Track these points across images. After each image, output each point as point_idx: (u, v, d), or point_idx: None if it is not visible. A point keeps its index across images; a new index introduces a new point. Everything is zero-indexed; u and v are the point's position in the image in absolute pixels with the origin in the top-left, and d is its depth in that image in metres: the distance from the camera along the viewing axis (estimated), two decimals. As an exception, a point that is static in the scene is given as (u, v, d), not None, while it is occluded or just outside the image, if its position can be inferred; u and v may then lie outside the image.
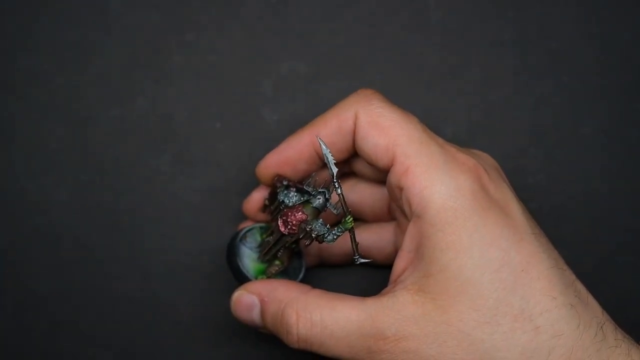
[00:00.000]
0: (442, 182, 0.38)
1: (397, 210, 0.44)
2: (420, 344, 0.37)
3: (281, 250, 0.43)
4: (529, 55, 0.52)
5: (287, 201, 0.42)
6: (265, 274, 0.44)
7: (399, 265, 0.41)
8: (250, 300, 0.42)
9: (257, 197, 0.47)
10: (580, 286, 0.39)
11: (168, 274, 0.50)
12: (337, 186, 0.40)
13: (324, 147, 0.40)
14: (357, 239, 0.41)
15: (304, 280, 0.45)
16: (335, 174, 0.40)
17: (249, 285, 0.43)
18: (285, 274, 0.45)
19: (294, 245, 0.43)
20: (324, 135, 0.42)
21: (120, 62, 0.51)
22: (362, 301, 0.39)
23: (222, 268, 0.48)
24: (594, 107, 0.52)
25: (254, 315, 0.42)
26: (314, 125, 0.43)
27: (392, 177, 0.40)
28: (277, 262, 0.44)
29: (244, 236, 0.45)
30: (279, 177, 0.43)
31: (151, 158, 0.51)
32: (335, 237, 0.40)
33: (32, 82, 0.51)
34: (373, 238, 0.47)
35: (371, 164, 0.42)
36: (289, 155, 0.44)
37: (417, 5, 0.52)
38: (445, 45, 0.52)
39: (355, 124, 0.41)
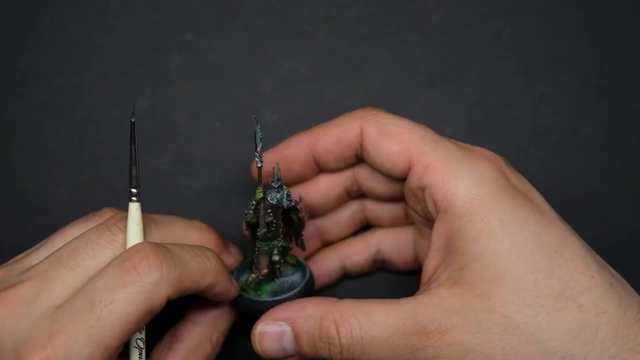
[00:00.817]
0: (464, 173, 0.38)
1: (415, 217, 0.44)
2: (465, 335, 0.37)
3: (255, 257, 0.42)
4: (529, 55, 0.52)
5: (270, 199, 0.40)
6: (244, 286, 0.42)
7: (429, 265, 0.40)
8: (278, 328, 0.40)
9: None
10: (612, 269, 0.39)
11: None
12: (258, 159, 0.40)
13: (257, 127, 0.40)
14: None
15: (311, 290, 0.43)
16: (259, 149, 0.40)
17: (272, 313, 0.40)
18: (280, 289, 0.43)
19: (269, 248, 0.42)
20: (323, 141, 0.43)
21: (120, 62, 0.51)
22: (397, 303, 0.38)
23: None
24: (594, 107, 0.52)
25: (285, 343, 0.40)
26: (314, 131, 0.43)
27: (412, 179, 0.40)
28: (254, 271, 0.43)
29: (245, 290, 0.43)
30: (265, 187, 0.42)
31: (151, 158, 0.51)
32: (250, 212, 0.41)
33: (32, 82, 0.51)
34: (393, 243, 0.47)
35: (386, 174, 0.42)
36: (285, 155, 0.44)
37: (417, 5, 0.52)
38: (445, 45, 0.52)
39: (362, 137, 0.42)
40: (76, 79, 0.51)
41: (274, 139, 0.51)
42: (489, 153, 0.40)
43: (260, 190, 0.40)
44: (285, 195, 0.41)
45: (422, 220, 0.43)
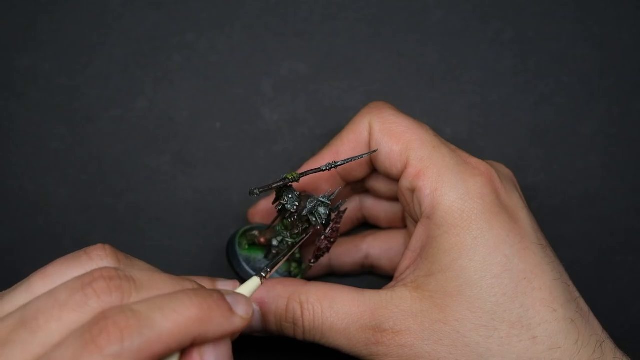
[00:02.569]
0: (452, 185, 0.39)
1: (408, 218, 0.44)
2: (417, 339, 0.38)
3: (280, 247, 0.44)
4: (529, 55, 0.52)
5: (288, 205, 0.41)
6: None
7: (402, 264, 0.41)
8: None
9: (264, 205, 0.47)
10: (582, 303, 0.39)
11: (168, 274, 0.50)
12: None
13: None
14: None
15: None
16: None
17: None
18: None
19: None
20: (344, 152, 0.43)
21: (120, 62, 0.51)
22: (361, 293, 0.39)
23: (222, 267, 0.48)
24: (594, 107, 0.52)
25: (254, 322, 0.41)
26: (333, 145, 0.44)
27: (405, 180, 0.41)
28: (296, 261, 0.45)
29: (242, 236, 0.45)
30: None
31: (151, 158, 0.51)
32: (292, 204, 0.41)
33: (32, 82, 0.51)
34: (382, 248, 0.47)
35: (385, 173, 0.42)
36: (311, 176, 0.44)
37: (417, 5, 0.52)
38: (445, 45, 0.52)
39: (369, 134, 0.42)
40: (76, 79, 0.51)
41: (274, 139, 0.51)
42: (483, 167, 0.40)
43: (293, 175, 0.41)
44: (326, 213, 0.41)
45: (412, 221, 0.43)
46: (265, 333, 0.42)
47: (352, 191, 0.47)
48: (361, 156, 0.41)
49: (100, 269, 0.34)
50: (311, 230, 0.41)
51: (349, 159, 0.41)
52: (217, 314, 0.34)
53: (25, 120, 0.51)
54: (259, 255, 0.45)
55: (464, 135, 0.51)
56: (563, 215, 0.51)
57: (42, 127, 0.51)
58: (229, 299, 0.35)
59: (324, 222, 0.42)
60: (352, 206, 0.48)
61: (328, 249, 0.42)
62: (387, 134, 0.41)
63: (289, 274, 0.45)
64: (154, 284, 0.35)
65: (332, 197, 0.42)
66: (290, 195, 0.42)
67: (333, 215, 0.42)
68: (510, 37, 0.52)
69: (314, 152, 0.49)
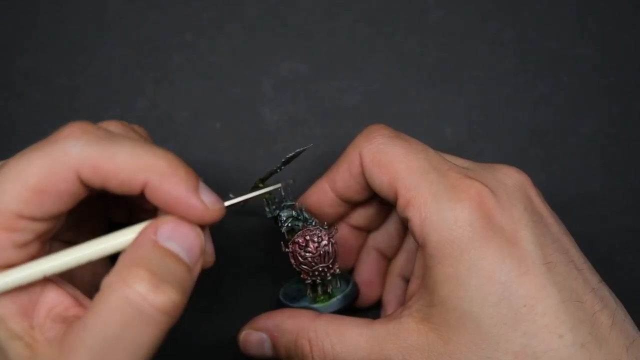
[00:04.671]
0: (439, 214, 0.38)
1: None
2: None
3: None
4: (529, 55, 0.52)
5: (282, 216, 0.43)
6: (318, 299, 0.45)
7: (410, 287, 0.41)
8: (258, 337, 0.42)
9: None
10: (604, 319, 0.37)
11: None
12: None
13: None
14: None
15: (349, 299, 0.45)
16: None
17: (254, 323, 0.43)
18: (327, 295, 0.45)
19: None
20: (338, 180, 0.43)
21: (120, 62, 0.51)
22: (370, 326, 0.39)
23: (222, 268, 0.48)
24: (594, 107, 0.52)
25: (266, 350, 0.42)
26: (329, 173, 0.44)
27: (398, 210, 0.40)
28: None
29: (286, 293, 0.46)
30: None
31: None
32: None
33: (32, 82, 0.51)
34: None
35: (385, 199, 0.42)
36: (313, 201, 0.45)
37: (417, 5, 0.52)
38: (445, 45, 0.52)
39: (361, 165, 0.42)
40: (76, 79, 0.51)
41: (274, 139, 0.51)
42: (474, 189, 0.38)
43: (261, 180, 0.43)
44: (288, 216, 0.43)
45: None
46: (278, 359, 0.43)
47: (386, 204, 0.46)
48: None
49: (79, 121, 0.34)
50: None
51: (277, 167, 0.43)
52: (179, 176, 0.33)
53: (25, 120, 0.51)
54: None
55: (464, 135, 0.51)
56: (563, 215, 0.51)
57: (42, 127, 0.51)
58: (200, 185, 0.34)
59: (282, 227, 0.43)
60: (396, 219, 0.47)
61: (305, 267, 0.43)
62: (376, 165, 0.40)
63: (313, 301, 0.45)
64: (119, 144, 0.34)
65: (289, 201, 0.43)
66: (273, 206, 0.44)
67: (302, 225, 0.43)
68: (510, 37, 0.52)
69: (314, 151, 0.49)
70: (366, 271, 0.48)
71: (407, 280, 0.48)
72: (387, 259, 0.48)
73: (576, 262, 0.38)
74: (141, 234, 0.34)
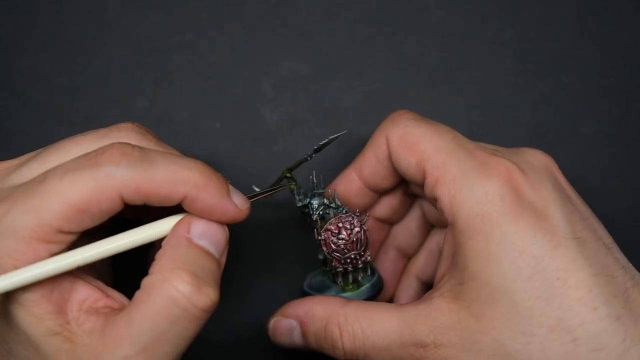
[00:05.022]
0: (469, 189, 0.38)
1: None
2: (459, 352, 0.37)
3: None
4: (529, 55, 0.52)
5: (313, 204, 0.44)
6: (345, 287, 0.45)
7: (439, 271, 0.41)
8: (288, 324, 0.42)
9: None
10: (636, 295, 0.37)
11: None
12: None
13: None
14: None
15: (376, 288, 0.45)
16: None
17: (284, 310, 0.43)
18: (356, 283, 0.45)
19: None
20: (366, 166, 0.43)
21: (120, 62, 0.51)
22: (399, 309, 0.39)
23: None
24: (594, 107, 0.52)
25: (295, 338, 0.42)
26: (356, 162, 0.44)
27: (426, 190, 0.40)
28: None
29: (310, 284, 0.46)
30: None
31: (151, 158, 0.51)
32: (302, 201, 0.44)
33: (32, 82, 0.51)
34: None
35: (412, 182, 0.42)
36: (340, 191, 0.45)
37: (417, 5, 0.52)
38: (445, 45, 0.52)
39: (388, 149, 0.42)
40: (76, 79, 0.51)
41: (274, 139, 0.51)
42: (503, 165, 0.38)
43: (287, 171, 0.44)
44: (320, 204, 0.44)
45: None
46: (307, 348, 0.42)
47: (407, 195, 0.46)
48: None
49: (116, 142, 0.36)
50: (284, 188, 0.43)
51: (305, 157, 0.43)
52: (213, 186, 0.36)
53: (25, 120, 0.51)
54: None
55: (464, 135, 0.51)
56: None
57: (42, 127, 0.51)
58: (230, 188, 0.37)
59: (314, 215, 0.43)
60: (418, 214, 0.47)
61: (337, 254, 0.43)
62: (403, 147, 0.41)
63: (343, 291, 0.45)
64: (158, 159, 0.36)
65: (320, 189, 0.43)
66: (301, 195, 0.44)
67: (333, 213, 0.43)
68: (510, 37, 0.52)
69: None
70: (383, 269, 0.48)
71: (422, 282, 0.48)
72: (406, 258, 0.48)
73: (605, 240, 0.39)
74: (175, 231, 0.36)
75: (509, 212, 0.37)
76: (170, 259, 0.35)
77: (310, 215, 0.43)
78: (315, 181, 0.44)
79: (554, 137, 0.51)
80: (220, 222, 0.37)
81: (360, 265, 0.44)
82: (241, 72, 0.51)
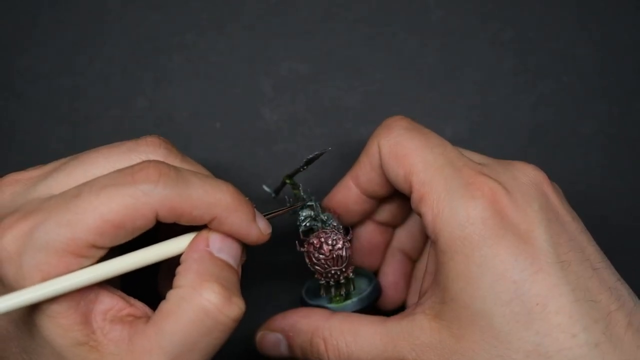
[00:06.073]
0: (452, 210, 0.37)
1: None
2: None
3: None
4: (529, 55, 0.52)
5: (300, 215, 0.44)
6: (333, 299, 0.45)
7: (423, 285, 0.41)
8: (274, 338, 0.43)
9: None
10: (619, 318, 0.36)
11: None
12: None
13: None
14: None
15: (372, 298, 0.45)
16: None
17: (270, 324, 0.43)
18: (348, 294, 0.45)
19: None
20: (361, 174, 0.43)
21: (120, 62, 0.51)
22: (384, 324, 0.40)
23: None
24: (594, 107, 0.52)
25: (282, 350, 0.43)
26: (352, 169, 0.44)
27: (412, 205, 0.40)
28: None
29: (307, 291, 0.46)
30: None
31: (151, 158, 0.51)
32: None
33: (32, 82, 0.51)
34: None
35: (402, 192, 0.42)
36: (338, 199, 0.45)
37: (417, 5, 0.52)
38: (445, 45, 0.52)
39: (379, 157, 0.42)
40: (76, 79, 0.51)
41: (274, 139, 0.51)
42: (487, 187, 0.38)
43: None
44: (307, 216, 0.44)
45: None
46: (296, 358, 0.43)
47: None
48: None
49: (152, 161, 0.36)
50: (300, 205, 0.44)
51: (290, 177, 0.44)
52: (242, 210, 0.37)
53: (25, 120, 0.51)
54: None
55: (464, 135, 0.51)
56: (563, 215, 0.51)
57: (42, 127, 0.51)
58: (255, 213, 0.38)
59: (300, 226, 0.44)
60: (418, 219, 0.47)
61: (318, 267, 0.43)
62: (393, 158, 0.40)
63: (330, 301, 0.45)
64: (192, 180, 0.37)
65: (311, 200, 0.44)
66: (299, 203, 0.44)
67: (319, 226, 0.44)
68: (510, 37, 0.52)
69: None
70: (391, 273, 0.48)
71: None
72: (412, 261, 0.48)
73: (592, 260, 0.38)
74: (194, 245, 0.37)
75: (491, 235, 0.36)
76: (197, 272, 0.35)
77: (297, 226, 0.44)
78: (303, 194, 0.44)
79: (554, 137, 0.51)
80: (241, 242, 0.38)
81: (343, 281, 0.44)
82: (241, 72, 0.51)
